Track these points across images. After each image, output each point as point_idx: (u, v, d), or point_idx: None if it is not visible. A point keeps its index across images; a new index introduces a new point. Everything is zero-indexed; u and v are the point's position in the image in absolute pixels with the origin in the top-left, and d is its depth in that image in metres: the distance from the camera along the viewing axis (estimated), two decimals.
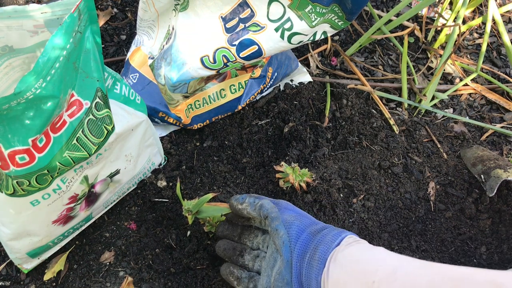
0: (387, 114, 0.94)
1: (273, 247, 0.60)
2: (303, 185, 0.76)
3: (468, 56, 1.11)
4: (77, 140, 0.57)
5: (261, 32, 0.70)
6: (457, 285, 0.45)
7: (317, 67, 1.03)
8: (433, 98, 1.00)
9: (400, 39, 1.06)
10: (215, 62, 0.72)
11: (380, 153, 0.87)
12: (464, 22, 1.11)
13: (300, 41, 0.72)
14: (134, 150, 0.73)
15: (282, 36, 0.70)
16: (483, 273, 0.46)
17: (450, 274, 0.47)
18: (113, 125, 0.61)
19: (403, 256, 0.53)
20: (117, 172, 0.72)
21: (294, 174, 0.75)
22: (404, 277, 0.49)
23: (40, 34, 0.55)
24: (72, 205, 0.67)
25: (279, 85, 0.96)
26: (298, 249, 0.58)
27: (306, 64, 1.03)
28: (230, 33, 0.70)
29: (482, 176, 0.83)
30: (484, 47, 1.02)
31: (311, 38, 0.73)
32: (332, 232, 0.58)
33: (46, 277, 0.74)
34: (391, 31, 1.06)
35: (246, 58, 0.72)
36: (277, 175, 0.79)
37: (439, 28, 1.09)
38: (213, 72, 0.74)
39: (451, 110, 1.01)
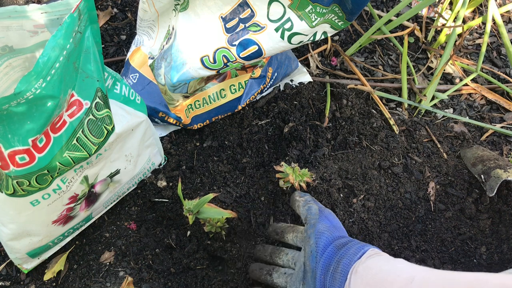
0: (387, 114, 0.94)
1: (301, 260, 0.62)
2: (303, 185, 0.76)
3: (468, 56, 1.11)
4: (77, 140, 0.57)
5: (261, 32, 0.70)
6: None
7: (317, 67, 1.03)
8: (433, 98, 1.00)
9: (400, 39, 1.06)
10: (215, 62, 0.72)
11: (380, 153, 0.87)
12: (464, 22, 1.11)
13: (300, 41, 0.72)
14: (134, 150, 0.73)
15: (282, 36, 0.70)
16: (495, 277, 0.47)
17: (464, 279, 0.49)
18: (113, 125, 0.61)
19: (423, 266, 0.54)
20: (117, 172, 0.72)
21: (294, 174, 0.75)
22: (420, 284, 0.50)
23: (40, 34, 0.55)
24: (72, 205, 0.67)
25: (279, 85, 0.96)
26: (323, 261, 0.60)
27: (306, 64, 1.03)
28: (230, 33, 0.70)
29: (482, 176, 0.83)
30: (484, 47, 1.02)
31: (311, 38, 0.73)
32: (355, 246, 0.59)
33: (46, 277, 0.74)
34: (391, 31, 1.06)
35: (246, 58, 0.72)
36: (277, 175, 0.79)
37: (439, 28, 1.09)
38: (213, 72, 0.74)
39: (451, 110, 1.01)
